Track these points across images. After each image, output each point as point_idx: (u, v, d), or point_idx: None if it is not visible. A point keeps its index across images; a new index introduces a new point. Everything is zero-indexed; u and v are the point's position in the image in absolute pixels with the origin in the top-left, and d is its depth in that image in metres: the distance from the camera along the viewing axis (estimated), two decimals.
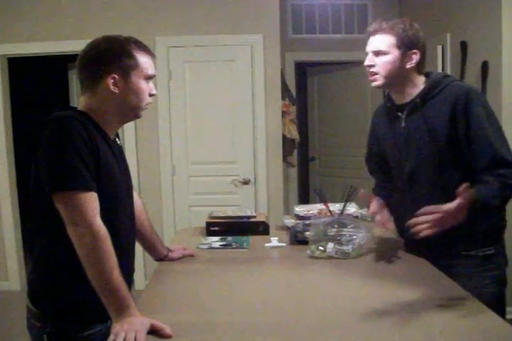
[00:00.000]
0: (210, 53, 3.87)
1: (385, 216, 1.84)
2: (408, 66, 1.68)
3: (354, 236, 1.83)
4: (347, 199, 1.99)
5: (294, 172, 5.08)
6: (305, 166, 5.74)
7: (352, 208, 2.10)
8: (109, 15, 3.83)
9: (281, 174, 4.03)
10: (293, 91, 4.74)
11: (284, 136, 4.17)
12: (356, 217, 2.03)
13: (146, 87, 1.42)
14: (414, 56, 1.68)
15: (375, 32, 1.70)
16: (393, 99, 1.79)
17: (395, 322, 1.27)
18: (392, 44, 1.66)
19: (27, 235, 1.41)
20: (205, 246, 2.04)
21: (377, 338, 1.20)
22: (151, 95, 1.45)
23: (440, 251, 1.73)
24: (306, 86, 5.60)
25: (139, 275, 3.89)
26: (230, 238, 2.15)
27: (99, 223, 1.26)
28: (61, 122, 1.29)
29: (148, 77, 1.42)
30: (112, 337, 1.17)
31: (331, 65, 5.23)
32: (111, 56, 1.37)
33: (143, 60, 1.40)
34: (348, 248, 1.80)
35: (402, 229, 1.78)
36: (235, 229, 2.22)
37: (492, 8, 3.18)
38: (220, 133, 3.92)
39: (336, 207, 2.09)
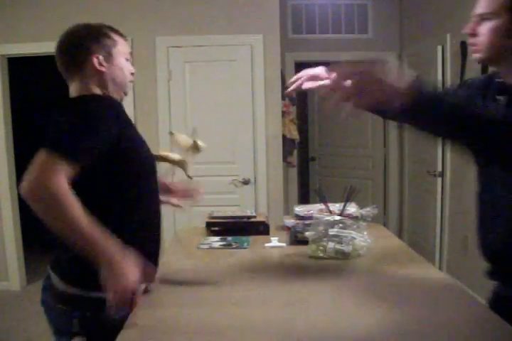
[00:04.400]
0: (210, 53, 3.87)
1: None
2: None
3: (355, 237, 1.83)
4: (347, 199, 1.99)
5: (294, 172, 5.08)
6: (305, 166, 5.74)
7: (352, 208, 2.09)
8: (109, 15, 3.83)
9: (281, 174, 4.03)
10: None
11: (284, 136, 4.17)
12: (356, 217, 2.03)
13: (127, 64, 1.53)
14: None
15: None
16: (501, 77, 1.38)
17: (395, 322, 1.27)
18: (501, 5, 1.27)
19: None
20: (206, 246, 2.04)
21: (376, 338, 1.20)
22: (131, 73, 1.56)
23: None
24: None
25: None
26: (229, 238, 2.15)
27: (61, 182, 1.19)
28: (91, 101, 1.37)
29: (126, 57, 1.53)
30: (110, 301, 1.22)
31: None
32: (91, 38, 1.45)
33: (119, 40, 1.51)
34: (348, 248, 1.80)
35: (489, 245, 1.41)
36: (235, 229, 2.22)
37: None
38: (220, 133, 3.92)
39: (336, 207, 2.08)
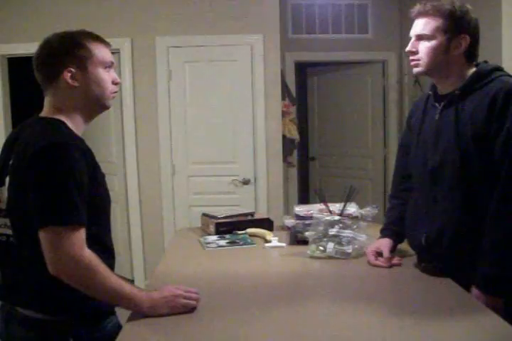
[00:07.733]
0: (210, 53, 3.87)
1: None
2: (455, 53, 1.53)
3: (355, 237, 1.83)
4: (347, 199, 1.99)
5: (294, 172, 5.08)
6: (305, 166, 5.74)
7: (352, 208, 2.09)
8: (109, 15, 3.83)
9: (281, 174, 4.03)
10: (293, 91, 4.74)
11: (284, 136, 4.17)
12: (356, 217, 2.03)
13: (107, 75, 1.39)
14: (462, 41, 1.52)
15: (418, 15, 1.57)
16: (437, 88, 1.64)
17: (394, 322, 1.27)
18: (437, 28, 1.52)
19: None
20: (214, 246, 2.05)
21: (376, 337, 1.20)
22: (115, 83, 1.42)
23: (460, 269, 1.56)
24: (306, 86, 5.60)
25: (139, 277, 3.90)
26: (227, 236, 2.18)
27: (87, 253, 1.23)
28: (60, 152, 1.23)
29: (107, 65, 1.39)
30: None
31: (331, 65, 5.23)
32: (63, 50, 1.34)
33: (96, 48, 1.37)
34: (348, 248, 1.80)
35: (416, 236, 1.66)
36: (241, 227, 2.26)
37: (492, 9, 3.18)
38: (220, 133, 3.92)
39: (336, 207, 2.08)
